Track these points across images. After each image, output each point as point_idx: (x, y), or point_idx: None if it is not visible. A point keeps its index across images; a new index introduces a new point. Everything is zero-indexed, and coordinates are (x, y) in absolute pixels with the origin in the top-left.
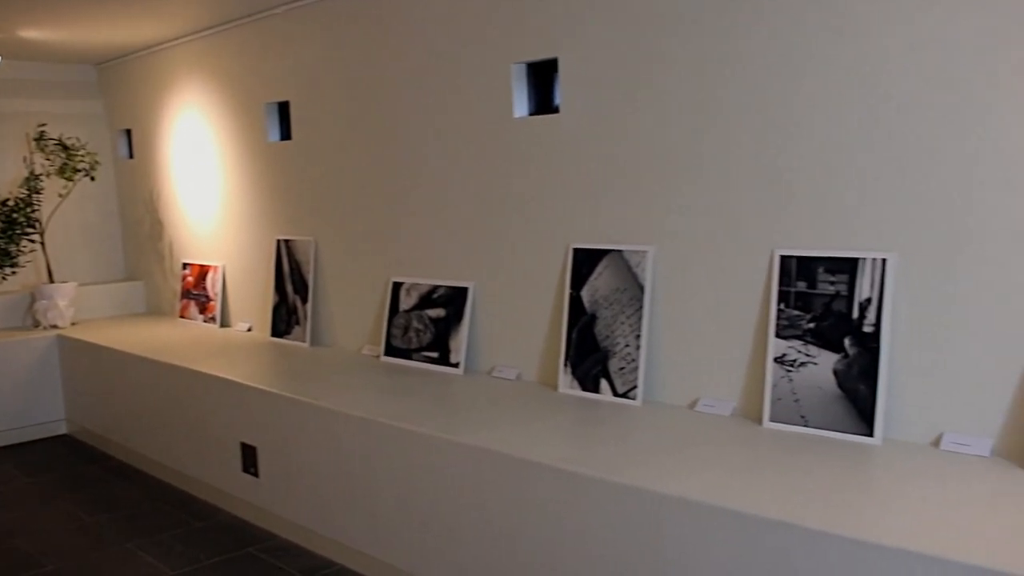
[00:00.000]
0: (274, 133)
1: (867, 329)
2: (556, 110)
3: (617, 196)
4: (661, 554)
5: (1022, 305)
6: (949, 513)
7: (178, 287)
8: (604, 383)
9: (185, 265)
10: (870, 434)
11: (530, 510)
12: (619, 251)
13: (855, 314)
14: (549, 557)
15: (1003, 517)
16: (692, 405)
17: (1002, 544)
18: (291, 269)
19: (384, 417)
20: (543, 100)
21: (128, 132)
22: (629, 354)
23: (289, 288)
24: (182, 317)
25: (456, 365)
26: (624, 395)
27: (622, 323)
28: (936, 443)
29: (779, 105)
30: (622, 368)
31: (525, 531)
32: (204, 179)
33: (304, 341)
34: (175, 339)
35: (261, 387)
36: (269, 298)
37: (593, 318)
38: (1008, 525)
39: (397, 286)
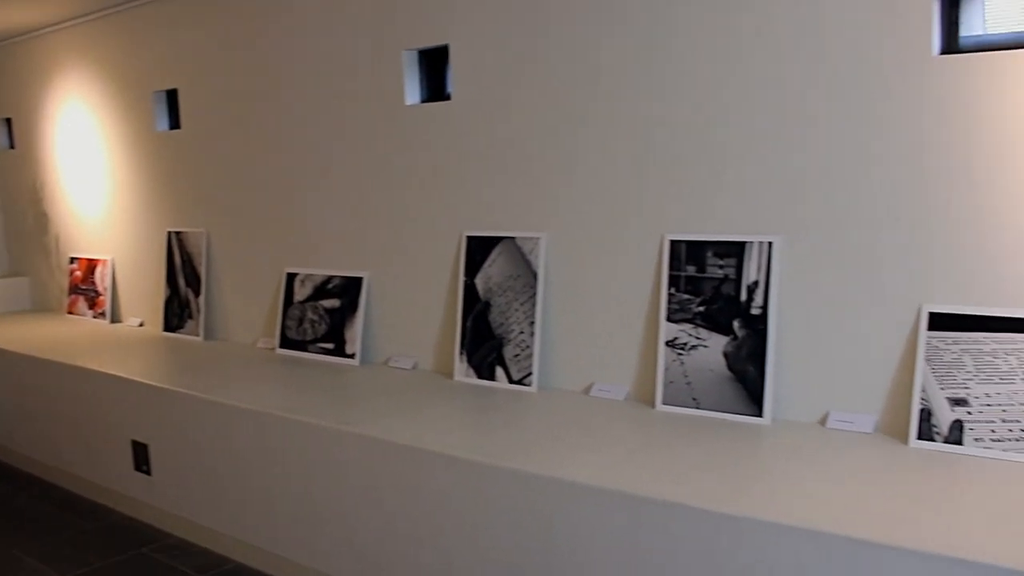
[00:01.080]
0: (163, 122)
1: (755, 311)
2: (448, 97)
3: (510, 183)
4: (554, 538)
5: (902, 285)
6: (833, 488)
7: (65, 282)
8: (499, 370)
9: (73, 259)
10: (759, 414)
11: (427, 499)
12: (512, 238)
13: (743, 297)
14: (446, 545)
15: (883, 490)
16: (587, 390)
17: (881, 517)
18: (183, 262)
19: (279, 410)
20: (435, 87)
21: (8, 121)
22: (524, 341)
23: (181, 281)
24: (70, 313)
25: (352, 356)
26: (519, 382)
27: (516, 310)
28: (823, 421)
29: (667, 92)
30: (517, 355)
31: (422, 520)
32: (91, 170)
33: (197, 335)
34: (63, 336)
35: (151, 383)
36: (161, 292)
37: (487, 306)
38: (887, 498)
39: (291, 277)
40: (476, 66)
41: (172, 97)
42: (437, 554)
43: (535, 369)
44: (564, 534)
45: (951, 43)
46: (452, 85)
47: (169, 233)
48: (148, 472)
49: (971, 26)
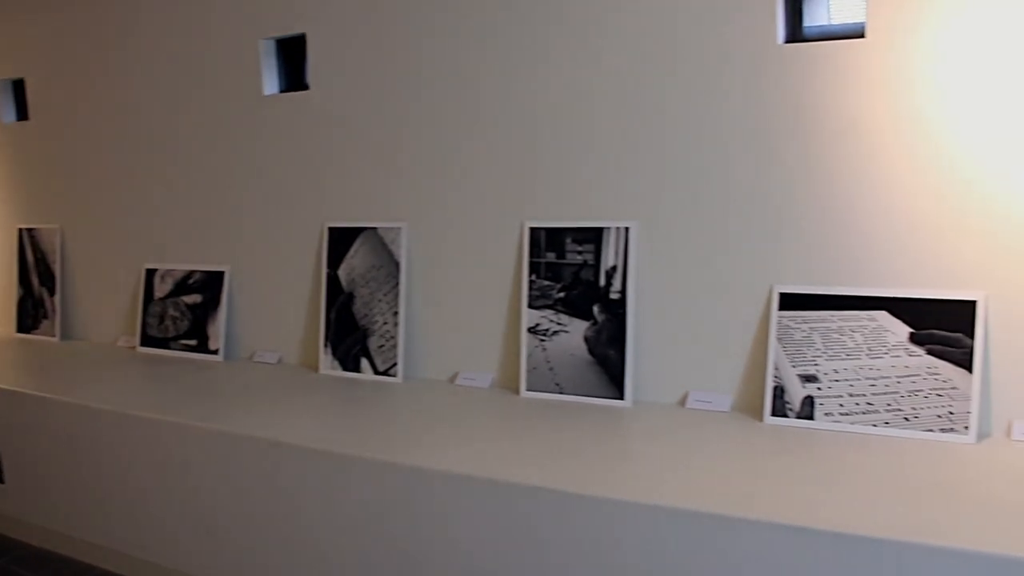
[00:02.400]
0: (9, 113)
1: (614, 296)
2: (307, 87)
3: (371, 173)
4: (421, 527)
5: (753, 267)
6: (691, 467)
7: None
8: (364, 362)
9: None
10: (621, 397)
11: (293, 494)
12: (374, 229)
13: (602, 282)
14: (314, 539)
15: (738, 467)
16: (452, 379)
17: (736, 492)
18: (36, 260)
19: (139, 409)
20: (294, 77)
21: None
22: (388, 331)
23: (34, 280)
24: None
25: (215, 352)
26: (385, 373)
27: (380, 301)
28: (682, 402)
29: (524, 82)
30: (381, 346)
31: (289, 516)
32: None
33: (53, 335)
34: None
35: (2, 386)
36: (13, 292)
37: (351, 297)
38: (742, 473)
39: (151, 273)
40: (334, 55)
41: (19, 87)
42: (305, 549)
43: (400, 359)
44: (431, 523)
45: (796, 32)
46: (310, 75)
47: (20, 230)
48: (1, 480)
49: (815, 15)
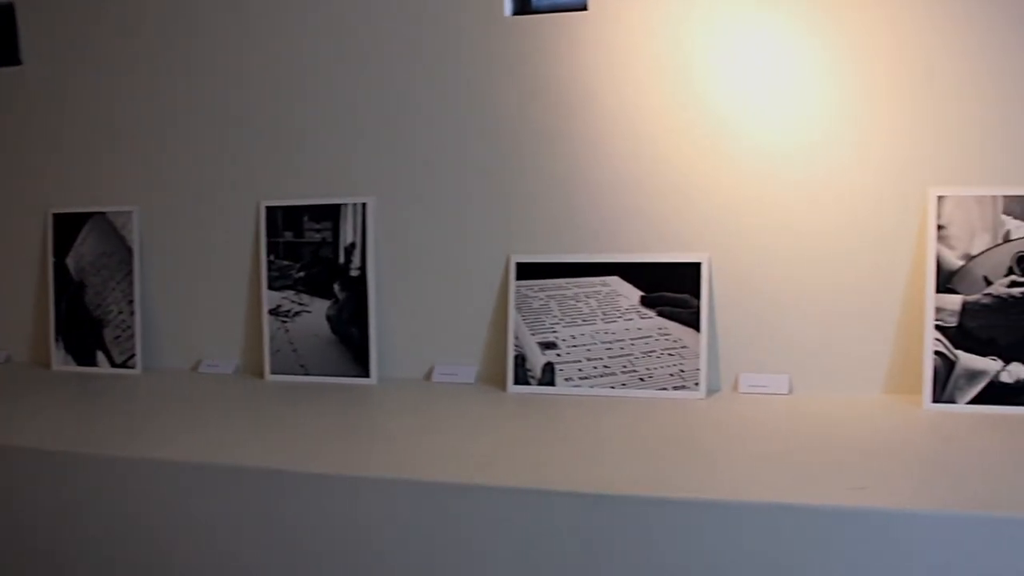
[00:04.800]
0: None
1: (354, 273)
2: (20, 62)
3: (97, 155)
4: (163, 520)
5: (491, 238)
6: (433, 438)
7: None
8: (100, 355)
9: None
10: (366, 375)
11: (23, 501)
12: (102, 213)
13: (342, 259)
14: (48, 545)
15: (481, 435)
16: (195, 367)
17: (477, 460)
18: None
19: None
20: (6, 51)
21: None
22: (124, 321)
23: None
24: None
25: None
26: (123, 364)
27: (113, 289)
28: (428, 376)
29: (253, 58)
30: (118, 337)
31: (17, 525)
32: None
33: None
34: None
35: None
36: None
37: (82, 287)
38: (484, 442)
39: None
40: (47, 27)
41: None
42: (35, 556)
43: (138, 350)
44: (173, 515)
45: (524, 5)
46: (23, 49)
47: None
48: None
49: None
